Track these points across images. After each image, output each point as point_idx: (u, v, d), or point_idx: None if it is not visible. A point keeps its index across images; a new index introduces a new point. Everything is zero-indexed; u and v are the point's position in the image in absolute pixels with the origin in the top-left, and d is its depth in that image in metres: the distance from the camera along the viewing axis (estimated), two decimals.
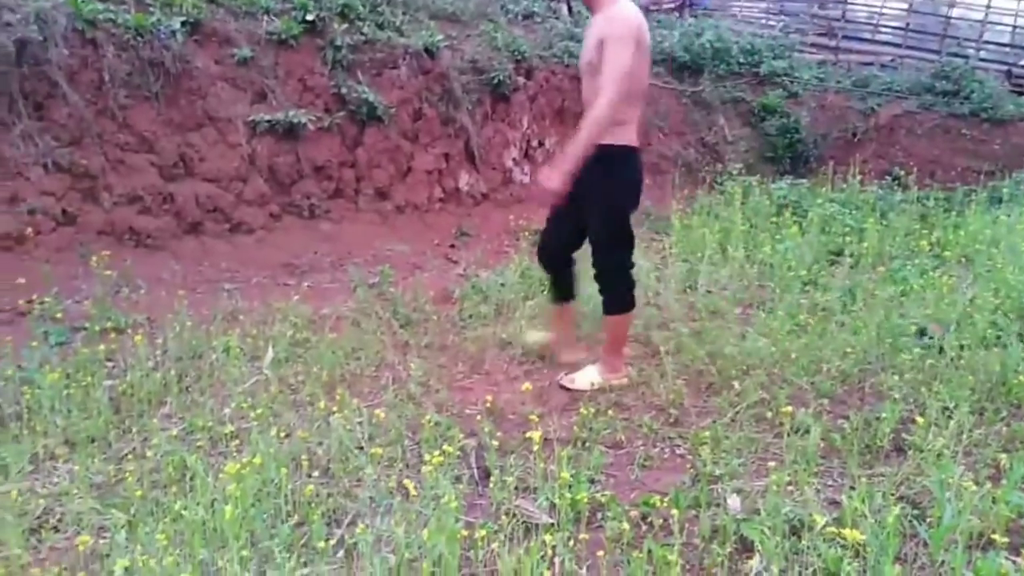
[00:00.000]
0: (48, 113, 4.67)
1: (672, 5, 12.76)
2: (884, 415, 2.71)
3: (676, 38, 10.11)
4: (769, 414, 2.89)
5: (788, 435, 2.62)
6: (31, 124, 4.53)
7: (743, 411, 2.94)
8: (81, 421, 2.82)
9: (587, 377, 3.30)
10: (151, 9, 5.23)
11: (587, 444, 2.69)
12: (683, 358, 3.61)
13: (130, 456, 2.67)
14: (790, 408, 2.62)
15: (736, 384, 3.19)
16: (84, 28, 4.81)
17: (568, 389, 3.28)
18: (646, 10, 12.03)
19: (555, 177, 2.96)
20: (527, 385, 2.84)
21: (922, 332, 3.72)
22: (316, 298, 4.56)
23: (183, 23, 5.26)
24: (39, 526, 2.25)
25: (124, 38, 4.97)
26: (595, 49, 2.95)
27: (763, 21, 13.57)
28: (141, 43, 5.03)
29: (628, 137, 3.06)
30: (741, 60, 10.40)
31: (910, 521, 2.13)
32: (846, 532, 1.77)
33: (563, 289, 3.55)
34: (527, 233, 6.30)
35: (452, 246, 6.19)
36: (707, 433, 2.69)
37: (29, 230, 4.40)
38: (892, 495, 2.27)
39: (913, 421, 2.71)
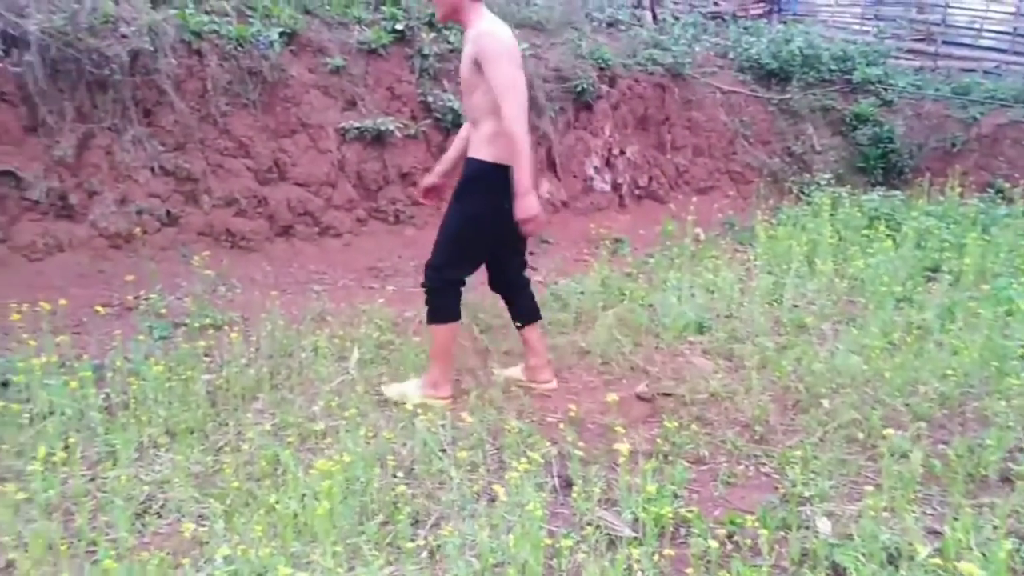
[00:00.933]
0: (156, 119, 4.95)
1: (760, 11, 12.46)
2: (989, 442, 2.57)
3: (764, 45, 9.86)
4: (861, 435, 2.79)
5: (884, 458, 2.52)
6: (141, 130, 4.81)
7: (833, 431, 2.85)
8: (181, 412, 2.95)
9: (401, 388, 3.22)
10: (251, 20, 5.48)
11: (670, 458, 2.66)
12: (768, 373, 3.52)
13: (226, 448, 2.79)
14: (890, 431, 2.52)
15: (825, 402, 3.09)
16: (191, 39, 5.08)
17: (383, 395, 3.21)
18: (732, 16, 11.81)
19: (530, 205, 2.90)
20: (612, 396, 2.82)
21: None
22: (399, 301, 4.66)
23: (280, 33, 5.49)
24: (143, 511, 2.37)
25: (226, 48, 5.22)
26: (469, 68, 2.94)
27: (856, 27, 13.07)
28: (242, 53, 5.27)
29: (501, 154, 2.96)
30: (832, 67, 10.06)
31: (1022, 557, 2.02)
32: (961, 566, 1.68)
33: (519, 310, 3.46)
34: (607, 242, 6.28)
35: (531, 253, 6.20)
36: (796, 452, 2.61)
37: (137, 230, 4.68)
38: (1001, 528, 2.15)
39: (1022, 450, 2.57)
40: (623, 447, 2.20)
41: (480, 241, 3.15)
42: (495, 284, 3.47)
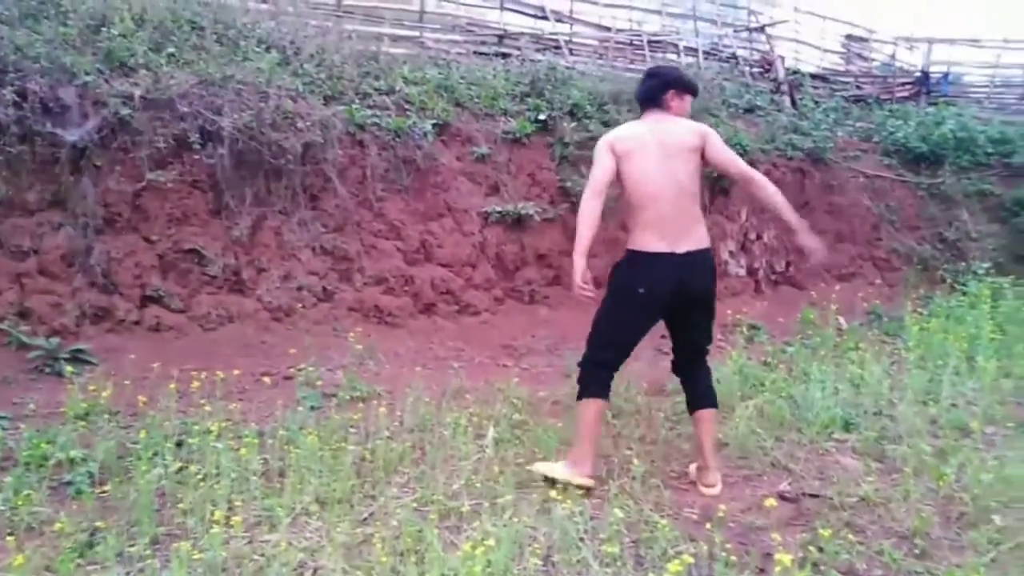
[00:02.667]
0: (320, 204, 5.42)
1: (906, 93, 12.07)
2: None
3: (911, 127, 9.53)
4: None
5: None
6: (306, 213, 5.29)
7: (1008, 552, 2.60)
8: (331, 482, 3.11)
9: (549, 466, 3.24)
10: (408, 113, 5.95)
11: (821, 568, 2.52)
12: (927, 480, 3.28)
13: (371, 520, 2.91)
14: None
15: (996, 518, 2.84)
16: (355, 131, 5.59)
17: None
18: (876, 99, 11.50)
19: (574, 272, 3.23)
20: (771, 502, 2.72)
21: None
22: (532, 380, 4.74)
23: (433, 125, 5.92)
24: None
25: (385, 139, 5.69)
26: None
27: (1015, 108, 12.36)
28: (398, 143, 5.72)
29: (637, 242, 3.18)
30: (989, 150, 9.54)
31: None
32: None
33: (687, 395, 3.44)
34: (743, 328, 6.13)
35: (663, 337, 6.15)
36: (971, 575, 2.40)
37: (298, 305, 5.08)
38: None
39: None
40: (784, 557, 2.12)
41: (613, 325, 3.28)
42: (674, 367, 3.50)
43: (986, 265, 7.91)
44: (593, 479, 3.18)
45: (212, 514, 2.60)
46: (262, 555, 2.60)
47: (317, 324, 5.16)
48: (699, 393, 3.35)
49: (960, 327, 5.69)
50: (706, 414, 3.31)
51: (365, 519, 2.94)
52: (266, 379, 4.16)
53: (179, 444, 3.35)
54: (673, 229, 3.14)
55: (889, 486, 3.23)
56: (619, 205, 3.53)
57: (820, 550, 2.64)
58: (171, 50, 5.37)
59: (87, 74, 4.81)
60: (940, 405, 4.30)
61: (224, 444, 3.21)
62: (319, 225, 5.36)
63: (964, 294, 7.06)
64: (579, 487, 3.09)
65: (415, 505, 2.96)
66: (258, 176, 5.16)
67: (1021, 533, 2.68)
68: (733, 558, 2.42)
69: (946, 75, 12.66)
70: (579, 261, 3.19)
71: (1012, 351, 5.21)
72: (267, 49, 5.82)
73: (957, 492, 3.13)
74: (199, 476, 3.03)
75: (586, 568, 2.45)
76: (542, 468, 3.26)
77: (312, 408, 4.01)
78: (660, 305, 3.20)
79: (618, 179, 3.18)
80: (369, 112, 5.76)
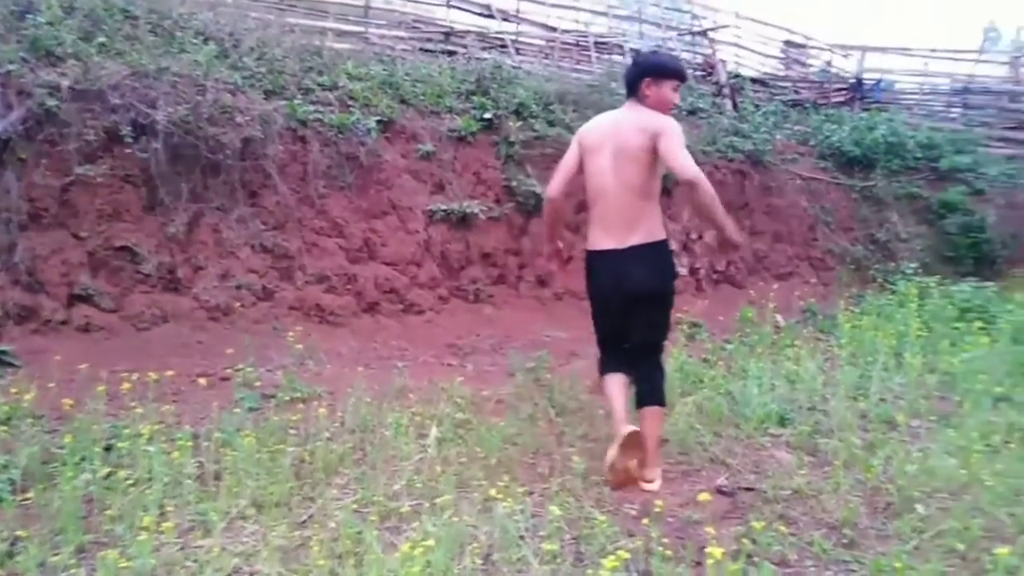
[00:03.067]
0: (260, 200, 5.31)
1: (841, 98, 12.47)
2: None
3: (846, 132, 9.86)
4: (961, 546, 2.65)
5: (987, 573, 2.38)
6: (246, 210, 5.17)
7: (930, 540, 2.71)
8: (268, 485, 3.05)
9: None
10: (352, 109, 5.87)
11: (755, 559, 2.58)
12: (856, 472, 3.39)
13: (310, 523, 2.86)
14: (1004, 550, 2.38)
15: (920, 508, 2.95)
16: (296, 127, 5.49)
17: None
18: (813, 104, 11.85)
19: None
20: (704, 495, 2.77)
21: None
22: (477, 379, 4.74)
23: (377, 121, 5.86)
24: None
25: (328, 135, 5.60)
26: None
27: (942, 114, 12.91)
28: (341, 139, 5.64)
29: (589, 240, 3.29)
30: (918, 155, 9.95)
31: None
32: None
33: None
34: (684, 326, 6.24)
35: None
36: (894, 563, 2.49)
37: (236, 304, 4.96)
38: None
39: None
40: (716, 551, 2.16)
41: (594, 321, 3.51)
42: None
43: (914, 265, 8.24)
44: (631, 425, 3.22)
45: (142, 520, 2.52)
46: (195, 561, 2.53)
47: (256, 323, 5.05)
48: (646, 391, 3.35)
49: (889, 324, 5.91)
50: (648, 412, 3.32)
51: (303, 522, 2.89)
52: (202, 380, 4.05)
53: (108, 448, 3.23)
54: (619, 226, 3.15)
55: (821, 478, 3.32)
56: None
57: (754, 542, 2.70)
58: (102, 39, 5.17)
59: (11, 63, 4.61)
60: (869, 400, 4.45)
61: (156, 447, 3.12)
62: (259, 222, 5.24)
63: (893, 293, 7.34)
64: (627, 435, 3.14)
65: (355, 507, 2.93)
66: (195, 171, 5.02)
67: (942, 521, 2.79)
68: (669, 552, 2.45)
69: (878, 82, 13.13)
70: (547, 247, 3.59)
71: (937, 347, 5.43)
72: (205, 41, 5.66)
73: (884, 483, 3.25)
74: (129, 481, 2.93)
75: (526, 566, 2.46)
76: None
77: (250, 409, 3.92)
78: (614, 300, 3.27)
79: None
80: (311, 108, 5.66)
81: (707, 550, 2.23)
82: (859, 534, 2.83)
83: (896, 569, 2.44)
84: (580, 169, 3.27)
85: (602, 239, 3.20)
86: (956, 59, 13.54)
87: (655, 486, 3.25)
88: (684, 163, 3.04)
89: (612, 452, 3.15)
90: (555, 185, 3.33)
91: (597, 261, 3.25)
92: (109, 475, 2.97)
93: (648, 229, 3.20)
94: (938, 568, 2.50)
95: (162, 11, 5.75)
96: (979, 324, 5.86)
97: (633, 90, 3.25)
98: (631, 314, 3.28)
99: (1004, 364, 5.07)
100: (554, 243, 3.60)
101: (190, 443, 3.12)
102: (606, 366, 3.45)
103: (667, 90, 3.24)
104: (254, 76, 5.58)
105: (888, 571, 2.45)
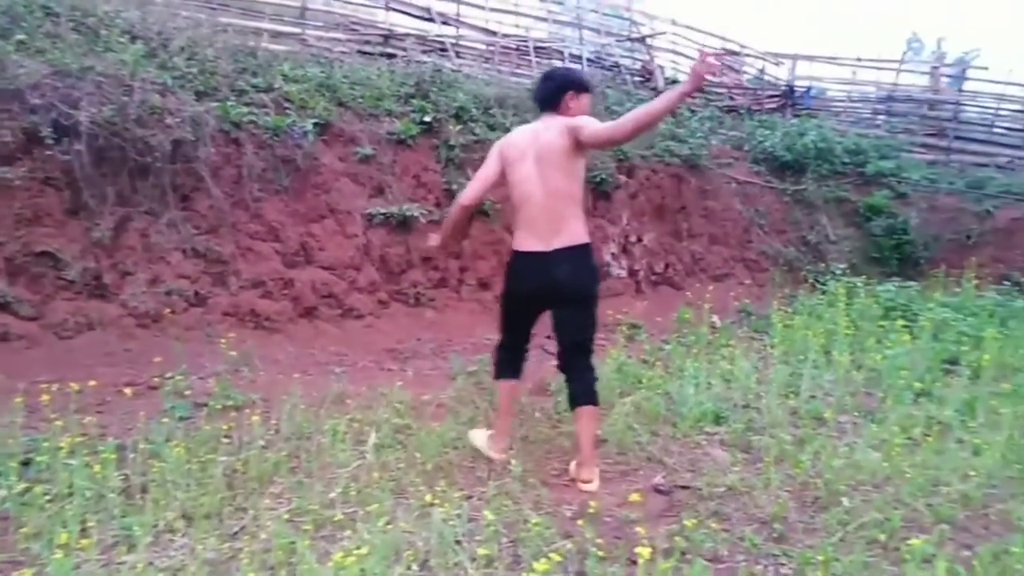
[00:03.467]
0: (192, 204, 5.16)
1: (773, 105, 12.85)
2: (1015, 548, 2.52)
3: (778, 137, 10.15)
4: (883, 536, 2.75)
5: (907, 563, 2.47)
6: (176, 214, 5.02)
7: (854, 532, 2.81)
8: (199, 496, 2.96)
9: (475, 439, 3.64)
10: (288, 111, 5.76)
11: (688, 556, 2.63)
12: (786, 468, 3.49)
13: (242, 534, 2.79)
14: (917, 541, 2.48)
15: (845, 501, 3.06)
16: (230, 129, 5.35)
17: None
18: (748, 110, 12.18)
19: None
20: (635, 496, 2.81)
21: None
22: (417, 384, 4.70)
23: (314, 124, 5.76)
24: None
25: (263, 137, 5.48)
26: None
27: (869, 121, 13.43)
28: (277, 142, 5.53)
29: (515, 242, 3.40)
30: (846, 160, 10.31)
31: None
32: None
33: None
34: (623, 327, 6.32)
35: (548, 337, 6.24)
36: (819, 556, 2.57)
37: (166, 310, 4.81)
38: None
39: None
40: (644, 550, 2.19)
41: (504, 317, 3.63)
42: (558, 364, 3.60)
43: (843, 266, 8.53)
44: (505, 455, 3.49)
45: (60, 537, 2.41)
46: None
47: (188, 330, 4.91)
48: (579, 391, 3.40)
49: (819, 324, 6.10)
50: (584, 411, 3.37)
51: (235, 533, 2.82)
52: (128, 390, 3.90)
53: (25, 463, 3.09)
54: (545, 229, 3.27)
55: (753, 475, 3.41)
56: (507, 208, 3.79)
57: (688, 539, 2.75)
58: (21, 37, 4.95)
59: None
60: (800, 397, 4.59)
61: (79, 461, 3.00)
62: (190, 226, 5.09)
63: (824, 293, 7.58)
64: (488, 459, 3.47)
65: (289, 516, 2.87)
66: (122, 174, 4.84)
67: (866, 513, 2.89)
68: (601, 553, 2.48)
69: (808, 89, 13.57)
70: (448, 244, 3.73)
71: (864, 345, 5.63)
72: (132, 40, 5.48)
73: (812, 478, 3.35)
74: (47, 497, 2.81)
75: (463, 571, 2.45)
76: (472, 436, 3.67)
77: (181, 419, 3.80)
78: (535, 299, 3.42)
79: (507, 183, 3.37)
80: (245, 109, 5.53)
81: (636, 549, 2.26)
82: (788, 528, 2.91)
83: (821, 561, 2.52)
84: (499, 180, 3.41)
85: (528, 241, 3.31)
86: (881, 68, 14.11)
87: (593, 486, 3.29)
88: (607, 125, 3.12)
89: (482, 443, 3.60)
90: (471, 193, 3.44)
91: (522, 262, 3.36)
92: (26, 491, 2.84)
93: (572, 232, 3.31)
94: (860, 559, 2.60)
95: (86, 8, 5.54)
96: (902, 322, 6.11)
97: (552, 104, 3.36)
98: (560, 313, 3.39)
99: (925, 360, 5.29)
100: (458, 244, 4.04)
101: (114, 455, 3.00)
102: (503, 369, 3.65)
103: (586, 102, 3.41)
104: (184, 77, 5.42)
105: (814, 563, 2.53)
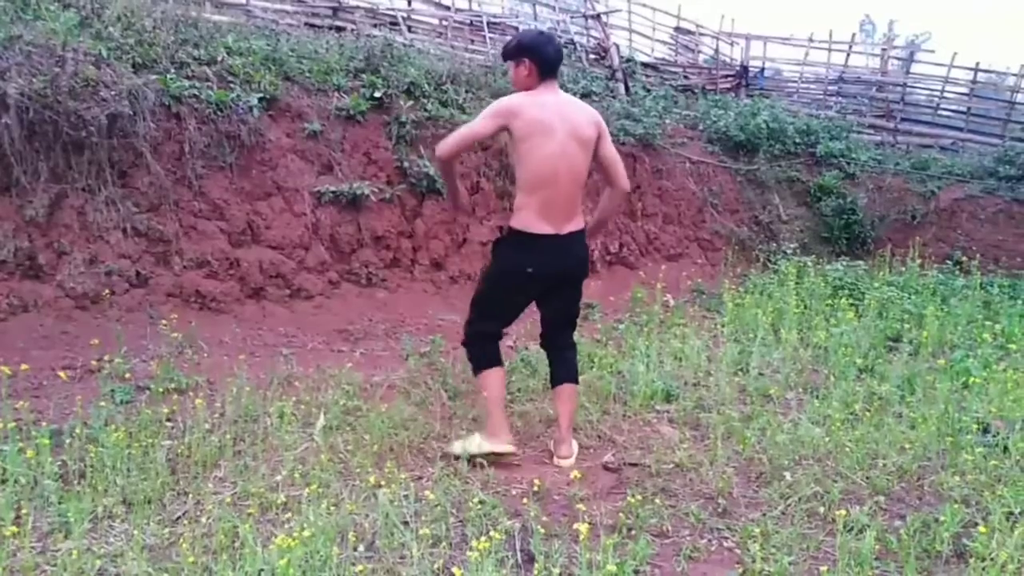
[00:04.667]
0: (131, 181, 4.97)
1: (728, 85, 12.96)
2: (943, 518, 2.61)
3: (731, 117, 10.24)
4: (822, 509, 2.82)
5: (841, 534, 2.54)
6: (115, 191, 4.83)
7: (795, 504, 2.87)
8: (140, 481, 2.89)
9: (464, 443, 3.29)
10: (232, 85, 5.58)
11: (633, 532, 2.66)
12: (733, 444, 3.56)
13: (184, 519, 2.73)
14: (842, 512, 2.55)
15: (788, 475, 3.13)
16: (170, 103, 5.16)
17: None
18: (702, 89, 12.26)
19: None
20: (576, 473, 2.83)
21: (985, 429, 3.59)
22: (368, 365, 4.65)
23: (260, 99, 5.59)
24: None
25: (205, 112, 5.30)
26: None
27: (820, 102, 13.64)
28: (220, 117, 5.35)
29: (523, 222, 3.20)
30: (797, 140, 10.46)
31: None
32: None
33: (551, 370, 3.66)
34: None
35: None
36: (757, 529, 2.63)
37: (106, 291, 4.64)
38: None
39: (975, 525, 2.61)
40: (582, 526, 2.21)
41: (497, 302, 3.42)
42: (543, 341, 3.60)
43: (794, 245, 8.68)
44: (514, 444, 3.32)
45: None
46: (54, 565, 2.38)
47: (129, 312, 4.75)
48: (563, 370, 3.49)
49: (770, 302, 6.22)
50: (568, 388, 3.46)
51: (177, 519, 2.76)
52: (64, 374, 3.78)
53: None
54: (561, 212, 3.19)
55: (701, 451, 3.46)
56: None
57: (638, 516, 2.78)
58: None
59: None
60: (749, 374, 4.67)
61: (11, 447, 2.89)
62: (130, 204, 4.91)
63: (775, 272, 7.71)
64: (502, 455, 3.23)
65: (232, 500, 2.82)
66: (55, 149, 4.63)
67: (807, 487, 2.96)
68: (542, 530, 2.49)
69: (762, 70, 13.72)
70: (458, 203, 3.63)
71: (812, 323, 5.75)
72: (64, 8, 5.23)
73: (758, 453, 3.42)
74: None
75: (408, 551, 2.43)
76: (458, 448, 3.26)
77: (121, 402, 3.70)
78: (543, 284, 3.31)
79: (514, 153, 3.19)
80: (187, 83, 5.33)
81: (575, 525, 2.27)
82: (732, 503, 2.97)
83: (761, 533, 2.57)
84: (486, 144, 3.38)
85: (537, 223, 3.17)
86: (832, 49, 14.31)
87: (570, 462, 3.37)
88: (621, 164, 3.43)
89: (477, 447, 3.26)
90: (453, 149, 3.17)
91: (531, 243, 3.19)
92: None
93: (580, 216, 3.31)
94: (799, 530, 2.66)
95: None
96: (848, 301, 6.25)
97: (554, 71, 3.24)
98: (560, 294, 3.40)
99: (869, 337, 5.43)
100: (463, 197, 3.71)
101: (50, 441, 2.90)
102: (493, 358, 3.42)
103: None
104: (121, 48, 5.20)
105: (755, 536, 2.58)
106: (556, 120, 3.12)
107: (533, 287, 3.33)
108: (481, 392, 3.41)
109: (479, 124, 3.15)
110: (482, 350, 3.42)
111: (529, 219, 3.17)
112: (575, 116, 3.19)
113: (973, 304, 6.54)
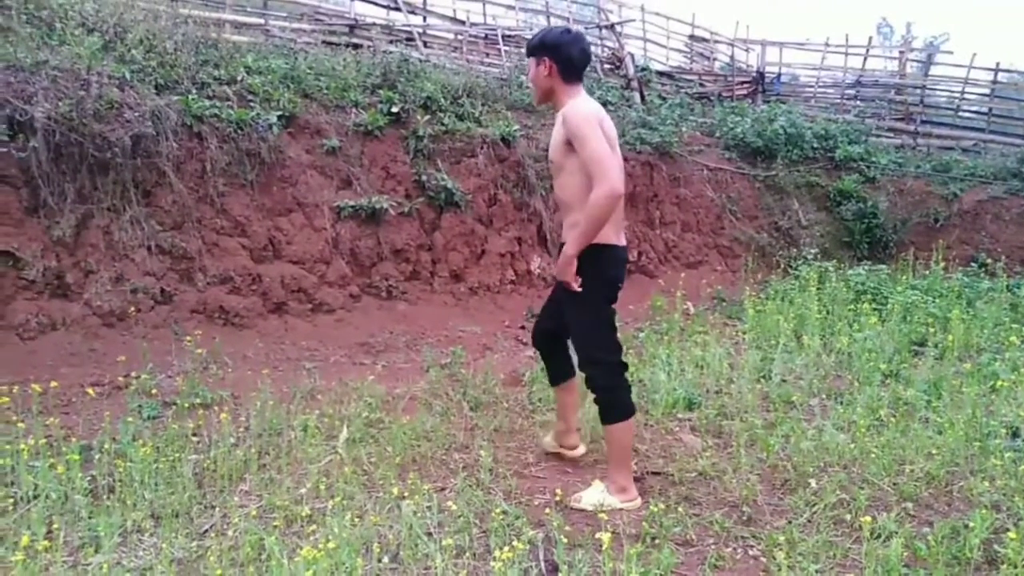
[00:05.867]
0: (155, 200, 5.06)
1: (744, 91, 12.92)
2: (973, 524, 2.57)
3: (748, 124, 10.21)
4: (848, 516, 2.79)
5: (868, 541, 2.51)
6: (139, 210, 4.92)
7: (821, 512, 2.84)
8: (167, 495, 2.93)
9: (593, 497, 2.95)
10: (252, 104, 5.68)
11: (657, 541, 2.65)
12: (757, 451, 3.53)
13: (211, 532, 2.76)
14: (869, 518, 2.52)
15: (813, 482, 3.09)
16: (192, 123, 5.26)
17: (575, 509, 2.94)
18: (718, 96, 12.23)
19: (566, 272, 2.89)
20: (597, 483, 2.82)
21: (1015, 433, 3.53)
22: (390, 378, 4.68)
23: (279, 116, 5.68)
24: None
25: (226, 131, 5.39)
26: (560, 148, 2.91)
27: (838, 106, 13.56)
28: (241, 135, 5.44)
29: (605, 236, 2.88)
30: (815, 145, 10.40)
31: None
32: None
33: (554, 369, 3.45)
34: None
35: (522, 327, 6.28)
36: (783, 536, 2.61)
37: (132, 309, 4.73)
38: None
39: (1006, 531, 2.56)
40: (605, 535, 2.20)
41: (609, 323, 3.02)
42: (539, 338, 3.43)
43: (815, 250, 8.62)
44: (637, 495, 3.01)
45: (28, 540, 2.36)
46: None
47: (155, 328, 4.83)
48: (571, 363, 3.38)
49: (791, 308, 6.17)
50: (577, 381, 3.42)
51: (204, 532, 2.79)
52: (92, 390, 3.85)
53: None
54: (621, 221, 3.02)
55: (724, 459, 3.44)
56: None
57: (661, 525, 2.76)
58: None
59: None
60: (771, 381, 4.63)
61: (43, 463, 2.94)
62: (154, 223, 5.00)
63: (796, 278, 7.65)
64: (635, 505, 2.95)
65: (258, 513, 2.84)
66: (81, 170, 4.74)
67: (832, 494, 2.93)
68: (565, 540, 2.48)
69: (778, 75, 13.67)
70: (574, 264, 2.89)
71: (834, 328, 5.70)
72: (88, 32, 5.36)
73: (782, 460, 3.39)
74: (11, 500, 2.76)
75: (432, 562, 2.44)
76: (589, 502, 2.94)
77: (149, 418, 3.76)
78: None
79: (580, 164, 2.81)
80: (208, 103, 5.43)
81: (597, 535, 2.27)
82: (757, 510, 2.94)
83: (787, 542, 2.55)
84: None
85: (616, 236, 2.95)
86: (849, 53, 14.24)
87: (580, 451, 3.47)
88: None
89: (610, 498, 2.98)
90: (622, 178, 2.77)
91: (620, 256, 3.01)
92: None
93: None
94: (825, 538, 2.63)
95: (39, 1, 5.40)
96: (872, 306, 6.19)
97: (579, 73, 2.99)
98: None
99: (893, 342, 5.37)
100: None
101: (80, 456, 2.95)
102: (630, 395, 3.05)
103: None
104: (143, 70, 5.31)
105: (781, 544, 2.55)
106: (610, 127, 2.93)
107: (616, 302, 3.08)
108: (620, 440, 3.00)
109: (599, 135, 2.76)
110: (622, 386, 3.02)
111: (607, 232, 2.88)
112: (611, 122, 3.00)
113: (999, 307, 6.44)
